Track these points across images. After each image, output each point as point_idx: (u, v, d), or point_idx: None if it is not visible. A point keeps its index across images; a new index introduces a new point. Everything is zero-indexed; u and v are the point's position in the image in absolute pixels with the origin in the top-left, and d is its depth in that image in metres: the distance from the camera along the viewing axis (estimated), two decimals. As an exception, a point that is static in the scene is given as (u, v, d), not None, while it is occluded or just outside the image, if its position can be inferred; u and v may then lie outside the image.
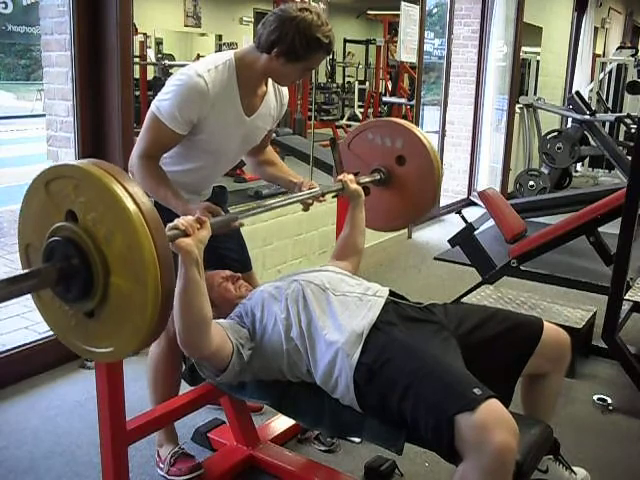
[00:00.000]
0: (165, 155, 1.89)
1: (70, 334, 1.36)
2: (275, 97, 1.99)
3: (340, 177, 2.08)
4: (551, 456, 1.84)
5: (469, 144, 6.47)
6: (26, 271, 1.27)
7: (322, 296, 1.70)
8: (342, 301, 1.69)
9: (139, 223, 1.18)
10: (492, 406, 1.36)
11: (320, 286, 1.73)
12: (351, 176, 2.09)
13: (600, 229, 3.22)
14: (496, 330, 1.72)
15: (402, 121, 2.36)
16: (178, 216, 1.71)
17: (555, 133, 6.81)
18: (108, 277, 1.23)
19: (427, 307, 1.77)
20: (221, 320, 1.70)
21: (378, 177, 2.26)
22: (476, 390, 1.38)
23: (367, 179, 2.22)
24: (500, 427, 1.32)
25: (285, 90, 2.04)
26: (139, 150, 1.82)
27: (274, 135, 3.85)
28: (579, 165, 8.35)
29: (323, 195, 2.00)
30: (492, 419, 1.33)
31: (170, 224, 1.44)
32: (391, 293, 1.78)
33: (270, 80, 1.93)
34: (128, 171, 2.01)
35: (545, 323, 1.75)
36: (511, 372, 1.71)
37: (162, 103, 1.77)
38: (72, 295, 1.27)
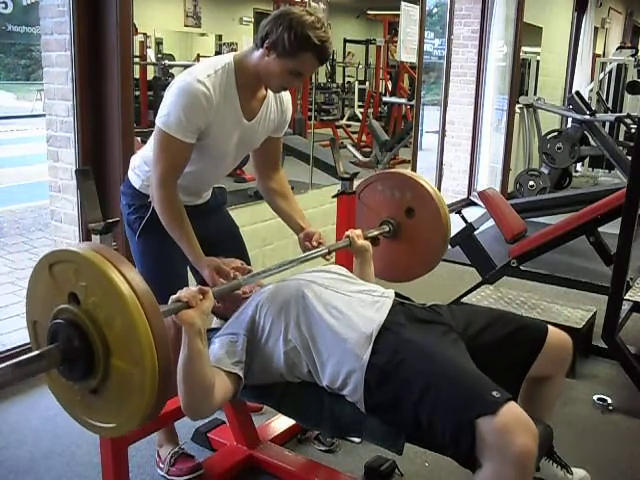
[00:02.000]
0: None
1: (76, 408, 1.42)
2: (275, 102, 1.96)
3: (347, 233, 2.04)
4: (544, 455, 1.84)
5: (469, 144, 6.47)
6: (31, 355, 1.33)
7: (324, 295, 1.69)
8: (346, 301, 1.68)
9: (135, 308, 1.23)
10: (512, 409, 1.35)
11: (323, 286, 1.72)
12: (358, 231, 2.05)
13: (600, 229, 3.22)
14: (502, 333, 1.71)
15: (411, 173, 2.37)
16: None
17: (555, 133, 6.81)
18: (109, 358, 1.30)
19: (432, 308, 1.76)
20: (216, 355, 1.64)
21: (387, 229, 2.25)
22: (495, 393, 1.37)
23: (375, 232, 2.21)
24: (522, 430, 1.31)
25: (286, 97, 2.00)
26: (157, 178, 1.78)
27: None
28: (579, 165, 8.35)
29: (329, 253, 1.97)
30: (514, 422, 1.32)
31: (173, 296, 1.44)
32: (396, 294, 1.77)
33: None
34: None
35: (549, 327, 1.75)
36: (516, 375, 1.70)
37: (167, 118, 1.73)
38: (75, 374, 1.34)
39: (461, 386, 1.42)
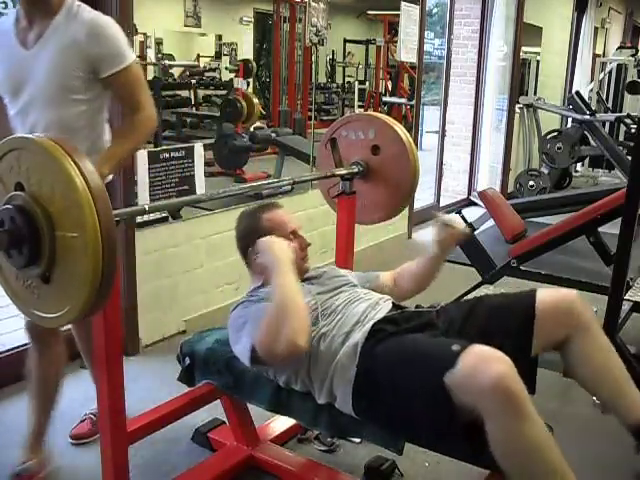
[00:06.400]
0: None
1: (35, 308, 1.42)
2: (74, 27, 1.76)
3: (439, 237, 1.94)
4: None
5: (469, 144, 6.47)
6: None
7: (327, 311, 1.71)
8: (344, 314, 1.70)
9: (70, 166, 1.24)
10: (473, 350, 1.35)
11: (329, 303, 1.74)
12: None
13: (600, 229, 3.22)
14: (486, 311, 1.70)
15: (369, 112, 2.40)
16: None
17: (555, 133, 6.81)
18: (53, 232, 1.29)
19: (426, 313, 1.77)
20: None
21: (356, 169, 2.27)
22: (454, 347, 1.37)
23: (344, 171, 2.24)
24: (486, 362, 1.31)
25: (92, 22, 1.76)
26: None
27: (273, 135, 3.84)
28: (579, 165, 8.35)
29: None
30: (475, 360, 1.32)
31: None
32: (393, 304, 1.79)
33: (66, 11, 1.77)
34: None
35: (539, 291, 1.69)
36: (521, 352, 1.59)
37: None
38: (24, 257, 1.32)
39: (423, 357, 1.44)
